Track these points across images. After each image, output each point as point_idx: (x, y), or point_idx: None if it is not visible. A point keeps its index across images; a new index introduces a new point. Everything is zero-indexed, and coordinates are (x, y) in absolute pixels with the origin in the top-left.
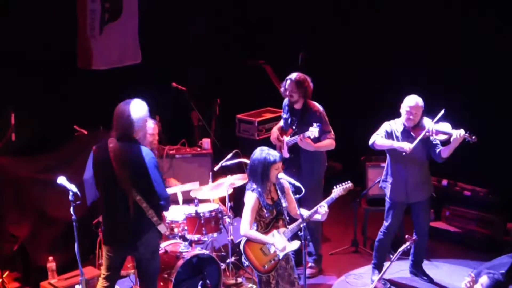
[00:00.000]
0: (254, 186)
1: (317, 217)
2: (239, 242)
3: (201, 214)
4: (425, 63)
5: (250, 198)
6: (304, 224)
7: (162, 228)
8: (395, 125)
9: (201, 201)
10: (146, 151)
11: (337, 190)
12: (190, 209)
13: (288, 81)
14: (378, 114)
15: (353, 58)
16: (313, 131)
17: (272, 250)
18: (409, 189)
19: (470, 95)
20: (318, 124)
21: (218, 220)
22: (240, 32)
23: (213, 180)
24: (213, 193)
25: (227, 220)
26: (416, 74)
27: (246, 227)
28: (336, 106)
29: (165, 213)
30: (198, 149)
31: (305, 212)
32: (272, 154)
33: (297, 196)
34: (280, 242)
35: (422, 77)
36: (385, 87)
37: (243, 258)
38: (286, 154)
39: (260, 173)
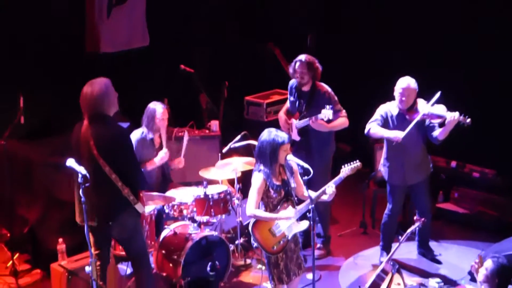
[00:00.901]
0: (262, 167)
1: (324, 197)
2: (248, 224)
3: (210, 196)
4: (427, 47)
5: (257, 179)
6: (313, 205)
7: (139, 208)
8: (390, 108)
9: (210, 182)
10: (120, 130)
11: (345, 170)
12: (199, 191)
13: (298, 63)
14: (387, 95)
15: (362, 40)
16: (327, 113)
17: (281, 229)
18: (406, 172)
19: (475, 75)
20: (331, 106)
21: (227, 202)
22: (249, 14)
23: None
24: (221, 174)
25: (236, 201)
26: (424, 56)
27: (252, 207)
28: (345, 87)
29: (173, 195)
30: (207, 131)
31: (312, 194)
32: (281, 136)
33: (306, 178)
34: (288, 215)
35: (425, 59)
36: (394, 69)
37: (252, 239)
38: (296, 137)
39: (269, 155)
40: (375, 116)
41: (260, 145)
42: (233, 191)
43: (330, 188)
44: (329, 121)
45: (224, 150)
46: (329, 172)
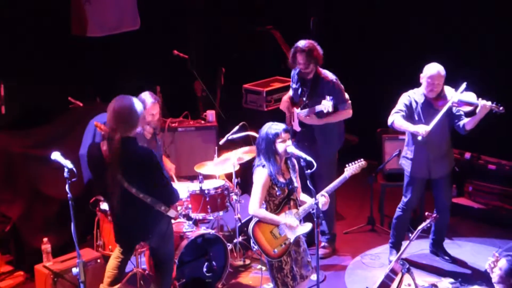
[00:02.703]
0: (264, 162)
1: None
2: (247, 221)
3: (206, 191)
4: (443, 28)
5: (261, 174)
6: (317, 201)
7: (172, 213)
8: (415, 96)
9: (206, 177)
10: (145, 152)
11: (350, 169)
12: (194, 186)
13: (298, 55)
14: (397, 83)
15: (369, 23)
16: (326, 105)
17: (283, 232)
18: (431, 164)
19: (492, 62)
20: (331, 97)
21: (224, 198)
22: None
23: (219, 155)
24: (218, 168)
25: (234, 197)
26: (436, 40)
27: (255, 205)
28: (352, 75)
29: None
30: (202, 121)
31: (305, 198)
32: (274, 128)
33: (309, 171)
34: (292, 223)
35: (442, 42)
36: (403, 54)
37: (251, 241)
38: (297, 127)
39: (265, 149)
40: (399, 106)
41: (257, 141)
42: (231, 186)
43: (322, 198)
44: (332, 112)
45: (221, 142)
46: (335, 166)
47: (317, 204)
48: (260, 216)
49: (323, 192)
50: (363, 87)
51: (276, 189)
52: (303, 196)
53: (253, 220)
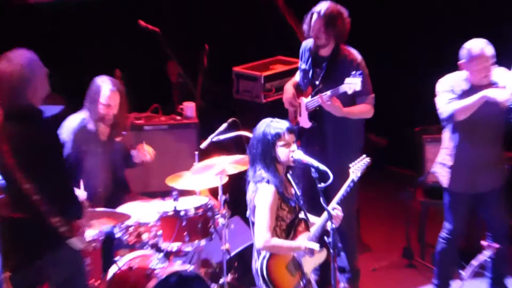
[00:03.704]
0: (266, 174)
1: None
2: (239, 254)
3: (183, 213)
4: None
5: (267, 193)
6: (333, 225)
7: (76, 243)
8: (458, 82)
9: (183, 193)
10: (46, 129)
11: (357, 169)
12: (166, 206)
13: (315, 16)
14: (438, 68)
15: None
16: (352, 83)
17: (301, 263)
18: (476, 174)
19: None
20: (359, 72)
21: (208, 221)
22: None
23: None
24: (200, 181)
25: (221, 221)
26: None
27: (266, 235)
28: (381, 57)
29: (128, 211)
30: (178, 117)
31: (312, 219)
32: (274, 126)
33: (323, 185)
34: (314, 247)
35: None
36: (446, 34)
37: (260, 283)
38: (306, 123)
39: (261, 155)
40: (446, 94)
41: (250, 144)
42: (216, 205)
43: (334, 211)
44: (352, 100)
45: (203, 145)
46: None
47: (333, 230)
48: (275, 247)
49: (334, 204)
50: (394, 74)
51: (286, 209)
52: (312, 218)
53: (263, 255)
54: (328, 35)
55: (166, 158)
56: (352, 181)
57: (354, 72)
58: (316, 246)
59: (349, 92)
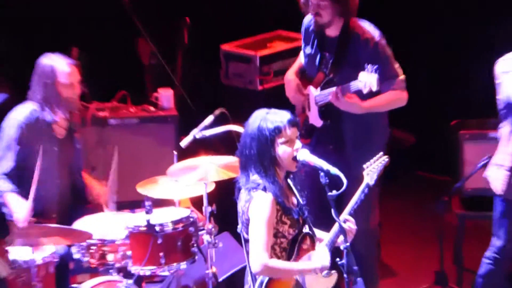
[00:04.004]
0: (261, 180)
1: (340, 238)
2: (228, 279)
3: (158, 229)
4: None
5: (264, 203)
6: (347, 243)
7: None
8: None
9: (158, 203)
10: None
11: (373, 170)
12: (137, 219)
13: None
14: (482, 49)
15: None
16: (367, 80)
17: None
18: None
19: None
20: (375, 66)
21: (189, 239)
22: None
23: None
24: (179, 188)
25: (206, 238)
26: None
27: (263, 255)
28: (410, 35)
29: (88, 227)
30: (152, 108)
31: (321, 235)
32: (271, 119)
33: (333, 193)
34: (324, 262)
35: None
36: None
37: None
38: (317, 121)
39: (257, 157)
40: (504, 78)
41: (242, 142)
42: (200, 219)
43: (345, 224)
44: (372, 94)
45: (183, 143)
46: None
47: (347, 249)
48: (274, 270)
49: (345, 215)
50: (425, 56)
51: (288, 223)
52: (318, 233)
53: (260, 281)
54: (330, 11)
55: (137, 160)
56: (367, 186)
57: (369, 67)
58: (325, 261)
59: (365, 91)
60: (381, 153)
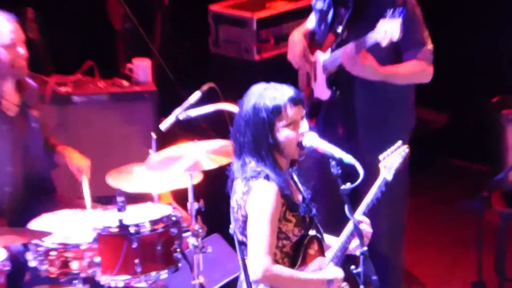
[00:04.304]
0: (262, 167)
1: (354, 243)
2: None
3: (133, 230)
4: None
5: (266, 195)
6: (364, 247)
7: None
8: None
9: (133, 198)
10: None
11: (391, 162)
12: (107, 219)
13: None
14: None
15: None
16: (387, 28)
17: None
18: None
19: None
20: (399, 10)
21: (171, 243)
22: None
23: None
24: (159, 180)
25: (192, 241)
26: None
27: (265, 260)
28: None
29: (49, 226)
30: (124, 82)
31: (330, 240)
32: (270, 96)
33: (347, 186)
34: (337, 274)
35: None
36: None
37: None
38: (324, 93)
39: (253, 142)
40: None
41: (235, 124)
42: (185, 218)
43: (364, 226)
44: (394, 57)
45: (164, 126)
46: (406, 173)
47: (364, 254)
48: (278, 278)
49: (359, 214)
50: (460, 24)
51: (293, 221)
52: (327, 238)
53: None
54: None
55: (107, 145)
56: (384, 181)
57: (391, 10)
58: (338, 271)
59: (384, 43)
60: (400, 142)
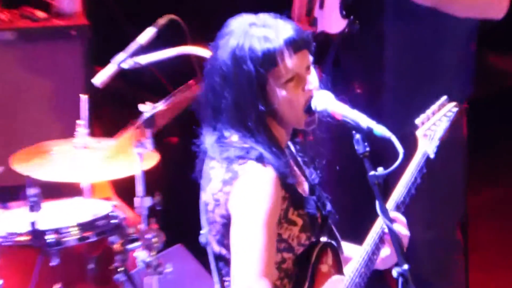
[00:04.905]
0: (247, 143)
1: (385, 253)
2: None
3: (50, 238)
4: None
5: (261, 184)
6: (404, 265)
7: None
8: None
9: (51, 192)
10: None
11: (431, 132)
12: (13, 222)
13: None
14: None
15: None
16: None
17: None
18: None
19: None
20: None
21: (111, 258)
22: None
23: (92, 128)
24: (92, 164)
25: (141, 256)
26: None
27: (260, 284)
28: None
29: None
30: (40, 13)
31: (349, 250)
32: (259, 36)
33: (381, 172)
34: None
35: None
36: None
37: None
38: (335, 25)
39: (233, 108)
40: None
41: (206, 79)
42: (132, 220)
43: (397, 226)
44: None
45: (100, 79)
46: (462, 148)
47: (404, 277)
48: None
49: (391, 207)
50: None
51: (299, 222)
52: (346, 247)
53: None
54: None
55: (14, 108)
56: (425, 156)
57: None
58: None
59: None
60: (445, 97)
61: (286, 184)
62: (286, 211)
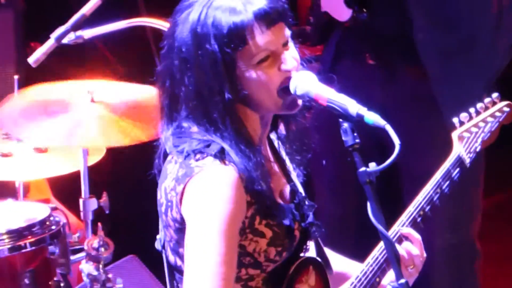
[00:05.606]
0: (208, 136)
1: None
2: None
3: None
4: None
5: (219, 186)
6: (400, 280)
7: None
8: None
9: None
10: None
11: (471, 136)
12: None
13: None
14: None
15: None
16: None
17: None
18: None
19: None
20: None
21: (50, 271)
22: None
23: (31, 115)
24: (27, 158)
25: (86, 270)
26: None
27: None
28: None
29: None
30: None
31: (345, 266)
32: (223, 7)
33: (374, 168)
34: None
35: None
36: None
37: None
38: (341, 11)
39: (194, 99)
40: None
41: (163, 60)
42: (74, 227)
43: (401, 248)
44: None
45: (35, 57)
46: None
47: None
48: None
49: (407, 225)
50: None
51: (268, 234)
52: (336, 260)
53: None
54: None
55: None
56: (459, 161)
57: None
58: None
59: None
60: (496, 94)
61: (250, 188)
62: (251, 220)
